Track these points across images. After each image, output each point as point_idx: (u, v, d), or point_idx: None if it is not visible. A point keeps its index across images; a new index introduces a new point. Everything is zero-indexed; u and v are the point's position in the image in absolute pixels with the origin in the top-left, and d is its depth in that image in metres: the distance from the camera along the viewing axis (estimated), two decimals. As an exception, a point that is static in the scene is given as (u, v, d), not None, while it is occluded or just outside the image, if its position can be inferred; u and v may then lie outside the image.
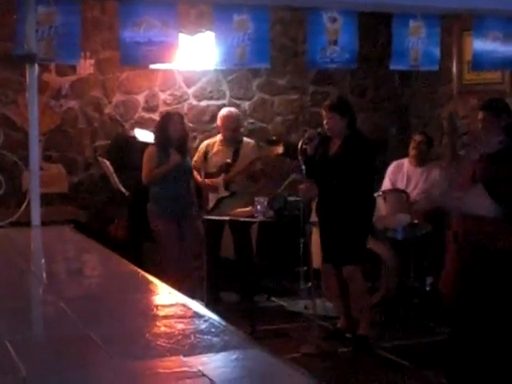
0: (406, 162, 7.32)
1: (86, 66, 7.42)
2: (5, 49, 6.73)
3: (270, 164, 8.17)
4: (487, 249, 4.10)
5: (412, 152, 7.26)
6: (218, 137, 7.35)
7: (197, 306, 2.57)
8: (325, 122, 6.00)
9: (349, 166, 5.80)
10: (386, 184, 7.22)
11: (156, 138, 6.84)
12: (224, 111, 7.36)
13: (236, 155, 7.21)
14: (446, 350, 4.50)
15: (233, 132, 7.24)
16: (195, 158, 7.24)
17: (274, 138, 7.70)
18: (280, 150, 6.93)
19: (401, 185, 7.16)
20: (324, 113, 6.03)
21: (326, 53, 6.13)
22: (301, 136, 6.25)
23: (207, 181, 7.05)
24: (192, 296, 3.91)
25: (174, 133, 6.71)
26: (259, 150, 7.40)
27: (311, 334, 6.03)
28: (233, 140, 7.26)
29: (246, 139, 7.44)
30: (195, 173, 7.04)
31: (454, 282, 4.34)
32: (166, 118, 6.86)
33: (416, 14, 6.27)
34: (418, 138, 7.31)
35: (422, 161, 7.22)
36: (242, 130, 7.63)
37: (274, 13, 6.96)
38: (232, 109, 7.52)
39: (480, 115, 5.65)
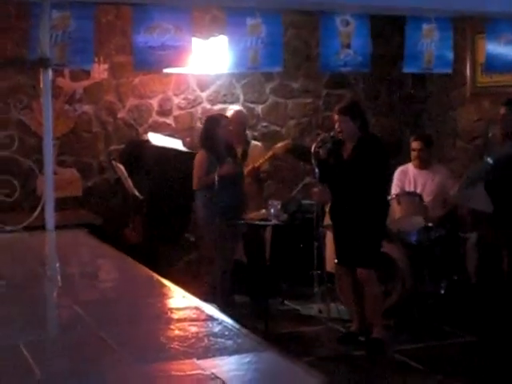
0: (410, 166, 7.22)
1: (99, 71, 7.43)
2: (19, 54, 6.76)
3: (284, 167, 8.18)
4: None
5: (414, 160, 7.19)
6: None
7: (210, 310, 2.58)
8: (336, 125, 5.99)
9: (362, 169, 5.79)
10: (395, 190, 7.16)
11: (204, 143, 6.69)
12: (230, 112, 7.34)
13: (244, 157, 7.18)
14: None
15: (239, 132, 7.17)
16: None
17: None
18: (288, 144, 6.92)
19: (408, 189, 7.10)
20: (335, 117, 6.03)
21: (340, 56, 6.13)
22: (314, 139, 6.24)
23: None
24: (207, 299, 3.93)
25: (223, 137, 6.60)
26: (267, 150, 7.30)
27: (325, 338, 6.03)
28: (239, 140, 7.18)
29: (253, 142, 7.42)
30: None
31: None
32: (214, 122, 6.72)
33: (429, 16, 6.27)
34: (415, 145, 7.16)
35: (425, 164, 7.13)
36: (246, 130, 7.53)
37: (286, 16, 6.95)
38: (238, 108, 7.50)
39: (502, 110, 5.67)
